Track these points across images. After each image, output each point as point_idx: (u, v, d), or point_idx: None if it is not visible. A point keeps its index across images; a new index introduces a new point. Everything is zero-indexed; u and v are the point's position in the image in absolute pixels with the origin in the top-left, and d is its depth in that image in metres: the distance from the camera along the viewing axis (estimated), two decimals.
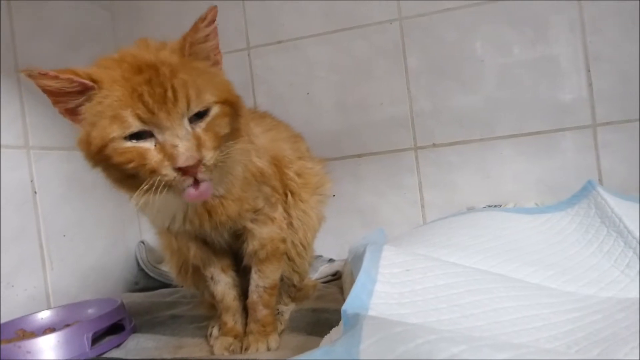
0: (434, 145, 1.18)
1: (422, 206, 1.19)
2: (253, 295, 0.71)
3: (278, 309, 0.78)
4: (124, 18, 1.33)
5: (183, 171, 0.51)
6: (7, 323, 0.80)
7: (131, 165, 0.51)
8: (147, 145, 0.51)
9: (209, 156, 0.52)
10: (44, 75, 0.50)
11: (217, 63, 0.58)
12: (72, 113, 0.54)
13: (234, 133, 0.57)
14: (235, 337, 0.71)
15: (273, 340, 0.69)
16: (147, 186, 0.51)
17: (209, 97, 0.53)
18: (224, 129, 0.55)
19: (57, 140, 1.05)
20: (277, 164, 0.73)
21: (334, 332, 0.46)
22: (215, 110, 0.54)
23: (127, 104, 0.50)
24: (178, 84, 0.51)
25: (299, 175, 0.77)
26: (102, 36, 1.28)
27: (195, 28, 0.54)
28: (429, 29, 1.16)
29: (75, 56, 1.14)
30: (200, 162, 0.51)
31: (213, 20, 0.55)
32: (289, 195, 0.76)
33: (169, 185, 0.52)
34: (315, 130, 1.18)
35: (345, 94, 1.22)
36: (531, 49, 1.12)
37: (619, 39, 1.07)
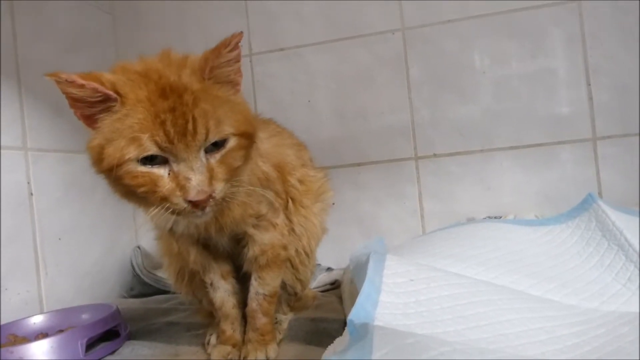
0: (435, 155, 1.18)
1: (422, 216, 1.19)
2: (252, 303, 0.70)
3: (276, 318, 0.77)
4: (125, 21, 1.33)
5: (193, 204, 0.52)
6: None
7: (142, 189, 0.52)
8: (161, 172, 0.52)
9: (219, 189, 0.53)
10: (71, 83, 0.49)
11: (236, 84, 0.58)
12: (88, 119, 0.53)
13: (246, 163, 0.58)
14: (234, 345, 0.70)
15: (272, 349, 0.68)
16: (155, 210, 0.52)
17: (227, 129, 0.53)
18: (237, 161, 0.55)
19: (55, 142, 1.04)
20: (280, 170, 0.73)
21: (338, 343, 0.45)
22: (232, 142, 0.54)
23: (148, 129, 0.50)
24: (199, 114, 0.51)
25: (301, 182, 0.77)
26: (103, 39, 1.28)
27: (217, 53, 0.53)
28: (431, 40, 1.17)
29: (76, 58, 1.14)
30: (210, 196, 0.52)
31: (237, 45, 0.54)
32: (290, 202, 0.75)
33: (177, 213, 0.53)
34: (316, 138, 1.18)
35: (346, 102, 1.22)
36: (531, 61, 1.13)
37: (619, 53, 1.08)
